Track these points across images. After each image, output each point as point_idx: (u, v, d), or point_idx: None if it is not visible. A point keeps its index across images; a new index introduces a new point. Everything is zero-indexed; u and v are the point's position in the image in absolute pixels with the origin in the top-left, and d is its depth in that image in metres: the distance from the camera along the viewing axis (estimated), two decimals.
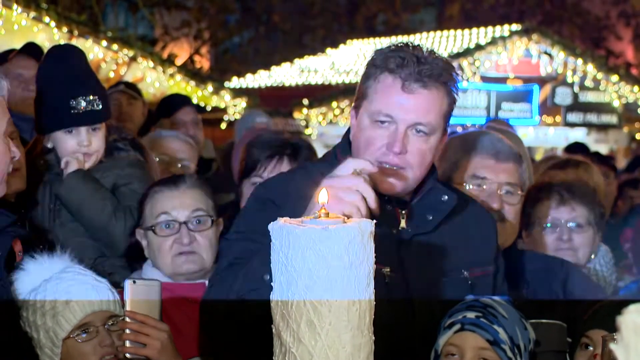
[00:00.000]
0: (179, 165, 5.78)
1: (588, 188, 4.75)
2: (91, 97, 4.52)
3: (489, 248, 3.68)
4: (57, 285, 3.42)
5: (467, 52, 22.74)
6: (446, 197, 3.53)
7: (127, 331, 3.28)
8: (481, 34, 23.90)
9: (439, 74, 3.31)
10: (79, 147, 4.51)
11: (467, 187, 4.09)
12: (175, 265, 3.95)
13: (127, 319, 3.29)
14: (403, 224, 3.44)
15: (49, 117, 4.54)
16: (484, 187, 4.10)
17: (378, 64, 3.35)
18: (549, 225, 4.57)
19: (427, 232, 3.47)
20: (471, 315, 3.28)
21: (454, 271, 3.51)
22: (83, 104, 4.49)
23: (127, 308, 3.33)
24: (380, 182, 3.33)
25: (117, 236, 4.41)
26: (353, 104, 3.50)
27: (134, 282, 3.40)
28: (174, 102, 7.78)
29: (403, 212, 3.45)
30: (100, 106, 4.56)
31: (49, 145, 4.59)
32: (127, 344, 3.27)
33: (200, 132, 7.35)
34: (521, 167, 4.20)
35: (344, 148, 3.52)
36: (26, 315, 3.43)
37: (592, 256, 4.72)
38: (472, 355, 3.23)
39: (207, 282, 3.90)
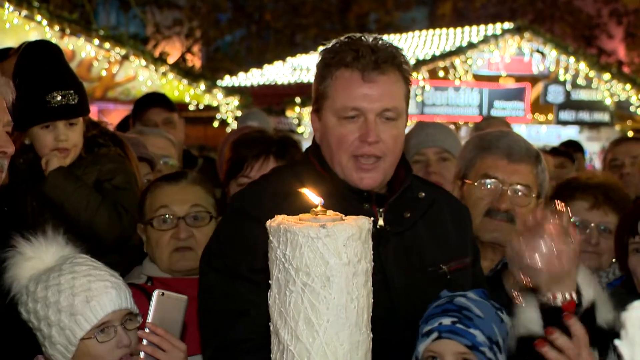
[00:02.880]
0: (162, 162, 5.75)
1: (623, 194, 4.68)
2: (67, 92, 4.50)
3: (465, 239, 3.67)
4: (73, 281, 3.29)
5: (459, 51, 22.79)
6: (423, 194, 3.53)
7: (145, 342, 3.22)
8: (473, 33, 23.94)
9: (393, 57, 3.32)
10: (56, 142, 4.49)
11: (479, 186, 4.09)
12: (171, 261, 3.95)
13: (147, 330, 3.23)
14: (381, 222, 3.42)
15: (25, 112, 4.41)
16: (494, 186, 4.09)
17: (331, 63, 3.34)
18: (577, 225, 4.47)
19: (404, 230, 3.46)
20: (447, 321, 3.25)
21: (432, 267, 3.49)
22: (59, 98, 4.47)
23: (150, 320, 3.25)
24: (360, 180, 3.34)
25: (101, 232, 4.40)
26: (312, 108, 3.49)
27: (162, 294, 3.32)
28: (144, 103, 7.59)
29: (381, 210, 3.43)
30: (77, 100, 4.53)
31: (27, 142, 4.57)
32: (142, 355, 3.21)
33: (175, 131, 7.04)
34: (537, 168, 4.17)
35: (315, 151, 3.50)
36: (31, 306, 3.31)
37: (613, 260, 4.66)
38: None
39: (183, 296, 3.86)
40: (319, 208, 2.24)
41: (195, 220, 3.98)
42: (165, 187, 4.05)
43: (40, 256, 3.39)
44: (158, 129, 6.61)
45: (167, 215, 3.96)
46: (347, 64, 3.28)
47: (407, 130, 3.78)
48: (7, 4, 16.81)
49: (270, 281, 2.22)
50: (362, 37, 3.35)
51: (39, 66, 4.58)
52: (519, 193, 4.09)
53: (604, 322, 3.00)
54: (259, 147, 4.69)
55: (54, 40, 14.25)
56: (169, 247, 3.94)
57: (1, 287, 3.36)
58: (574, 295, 2.97)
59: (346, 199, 3.33)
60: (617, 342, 1.18)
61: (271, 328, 2.22)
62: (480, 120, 7.92)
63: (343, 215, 2.23)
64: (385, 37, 3.53)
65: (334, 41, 3.39)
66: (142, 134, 5.94)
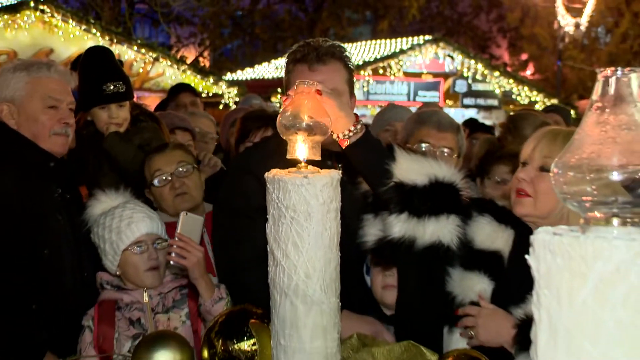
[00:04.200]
0: (208, 137, 5.75)
1: None
2: (117, 82, 4.47)
3: None
4: (123, 212, 3.41)
5: (394, 55, 22.83)
6: None
7: (175, 246, 3.22)
8: (404, 42, 23.92)
9: (332, 52, 3.19)
10: (110, 119, 4.46)
11: (417, 149, 4.06)
12: (175, 205, 3.83)
13: (177, 238, 3.23)
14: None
15: (88, 97, 4.47)
16: (427, 149, 4.06)
17: (290, 60, 3.25)
18: (498, 181, 4.44)
19: (359, 181, 3.41)
20: None
21: None
22: (111, 87, 4.43)
23: (178, 231, 3.25)
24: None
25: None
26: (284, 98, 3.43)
27: (186, 214, 3.33)
28: (177, 88, 7.64)
29: (340, 165, 3.39)
30: (124, 89, 4.50)
31: (89, 119, 4.54)
32: (173, 254, 3.22)
33: (197, 110, 7.15)
34: (457, 136, 4.15)
35: None
36: (96, 230, 3.43)
37: None
38: None
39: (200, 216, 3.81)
40: (302, 164, 2.22)
41: (183, 172, 3.86)
42: (156, 156, 3.93)
43: (109, 202, 3.50)
44: (205, 112, 6.62)
45: (162, 175, 3.85)
46: (299, 60, 3.19)
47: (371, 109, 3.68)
48: (71, 21, 16.70)
49: (267, 216, 2.20)
50: (312, 41, 3.25)
51: (98, 64, 4.57)
52: (445, 153, 4.08)
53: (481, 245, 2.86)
54: (260, 120, 4.65)
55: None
56: (170, 196, 3.84)
57: (82, 220, 3.49)
58: (346, 134, 2.78)
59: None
60: (527, 256, 1.16)
61: (268, 250, 2.20)
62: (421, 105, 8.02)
63: (320, 169, 2.21)
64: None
65: (294, 46, 3.29)
66: (193, 115, 5.91)
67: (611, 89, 1.21)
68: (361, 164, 2.88)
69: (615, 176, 1.16)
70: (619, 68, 1.22)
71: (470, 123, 9.39)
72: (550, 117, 6.07)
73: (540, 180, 2.68)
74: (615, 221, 1.18)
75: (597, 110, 1.22)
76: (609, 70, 1.22)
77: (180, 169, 3.87)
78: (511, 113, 24.22)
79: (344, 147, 2.82)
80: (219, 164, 5.32)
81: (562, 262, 1.14)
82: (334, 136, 2.79)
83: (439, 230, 2.76)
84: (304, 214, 2.12)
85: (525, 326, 2.62)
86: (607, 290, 1.12)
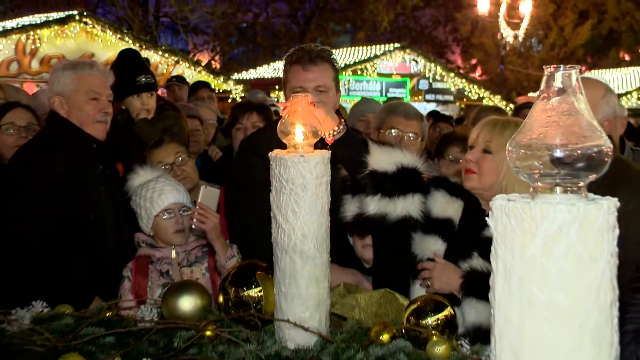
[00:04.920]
0: (209, 122, 5.73)
1: None
2: (147, 76, 4.46)
3: None
4: (155, 185, 3.38)
5: (369, 59, 22.74)
6: None
7: (196, 213, 3.21)
8: (377, 49, 23.81)
9: (322, 55, 3.15)
10: (142, 105, 4.42)
11: (388, 134, 4.04)
12: None
13: (197, 207, 3.22)
14: None
15: (123, 88, 4.42)
16: (397, 134, 4.04)
17: (287, 62, 3.20)
18: (452, 160, 4.42)
19: (338, 168, 3.37)
20: None
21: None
22: (143, 79, 4.42)
23: (199, 201, 3.24)
24: None
25: None
26: (283, 92, 3.33)
27: (206, 187, 3.31)
28: (197, 85, 7.62)
29: (327, 146, 3.34)
30: (153, 81, 4.49)
31: (123, 107, 4.49)
32: (194, 220, 3.21)
33: (213, 103, 7.14)
34: (422, 124, 4.13)
35: None
36: (134, 199, 3.40)
37: None
38: None
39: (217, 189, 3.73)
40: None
41: (180, 160, 3.78)
42: (155, 150, 3.82)
43: (145, 175, 3.45)
44: (212, 104, 6.59)
45: (164, 166, 3.73)
46: (294, 61, 3.14)
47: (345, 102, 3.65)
48: (108, 31, 16.66)
49: (270, 188, 2.17)
50: (305, 46, 3.20)
51: (131, 62, 4.56)
52: (411, 138, 4.06)
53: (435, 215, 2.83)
54: (245, 107, 4.68)
55: None
56: None
57: (124, 191, 3.46)
58: (331, 134, 2.77)
59: None
60: (487, 219, 1.14)
61: (271, 215, 2.18)
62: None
63: (313, 149, 2.19)
64: None
65: (291, 50, 3.24)
66: (199, 106, 5.88)
67: (555, 82, 1.20)
68: (343, 156, 2.87)
69: (558, 153, 1.15)
70: (561, 65, 1.20)
71: (434, 114, 9.37)
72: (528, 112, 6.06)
73: (483, 161, 2.71)
74: (558, 189, 1.17)
75: (543, 99, 1.20)
76: (553, 67, 1.21)
77: (178, 159, 3.79)
78: (463, 106, 24.06)
79: (329, 144, 2.82)
80: (219, 153, 5.38)
81: (515, 223, 1.13)
82: (322, 135, 2.77)
83: (408, 206, 2.78)
84: (301, 186, 2.10)
85: (469, 277, 2.67)
86: (552, 245, 1.11)
